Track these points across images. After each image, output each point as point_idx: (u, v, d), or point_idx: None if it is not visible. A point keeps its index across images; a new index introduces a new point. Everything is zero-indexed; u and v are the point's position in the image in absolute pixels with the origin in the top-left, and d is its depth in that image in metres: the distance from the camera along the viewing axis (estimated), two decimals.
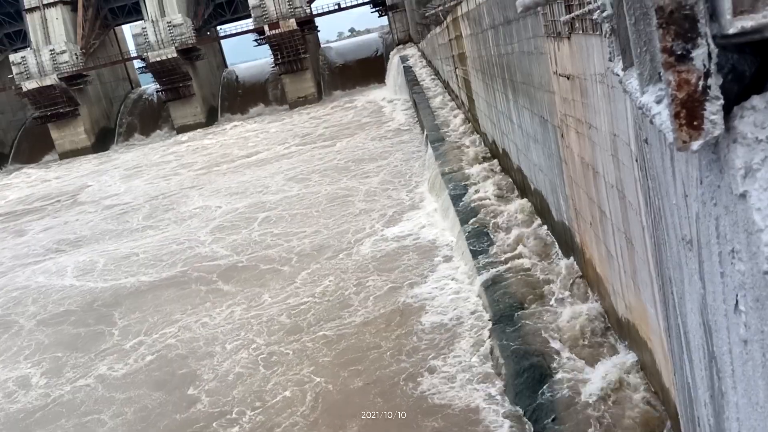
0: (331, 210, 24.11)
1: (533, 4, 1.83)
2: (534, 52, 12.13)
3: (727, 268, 1.37)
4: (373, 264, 17.00)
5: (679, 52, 1.22)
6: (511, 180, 17.67)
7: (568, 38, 9.18)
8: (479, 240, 14.29)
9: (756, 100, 1.25)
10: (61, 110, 73.33)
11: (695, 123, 1.24)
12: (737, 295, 1.33)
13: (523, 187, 16.42)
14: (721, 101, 1.23)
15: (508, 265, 12.47)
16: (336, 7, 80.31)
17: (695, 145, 1.23)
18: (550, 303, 10.67)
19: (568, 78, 9.65)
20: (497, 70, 17.56)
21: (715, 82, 1.22)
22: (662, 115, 1.38)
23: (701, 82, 1.22)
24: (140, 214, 31.90)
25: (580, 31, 8.44)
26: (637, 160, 6.35)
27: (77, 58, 74.55)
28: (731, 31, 1.16)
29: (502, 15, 14.96)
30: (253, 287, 17.24)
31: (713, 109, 1.22)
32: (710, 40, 1.24)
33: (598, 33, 7.06)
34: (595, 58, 7.91)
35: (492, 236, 14.21)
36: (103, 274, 22.13)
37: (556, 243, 13.20)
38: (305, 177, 32.10)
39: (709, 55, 1.23)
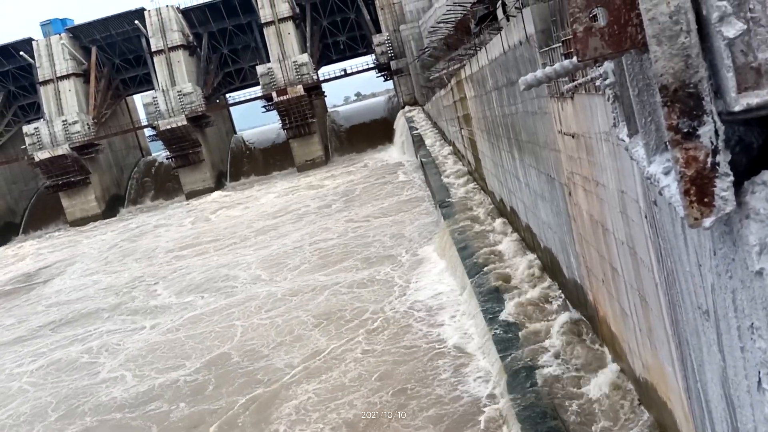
0: (331, 315, 19.35)
1: (536, 82, 1.84)
2: (538, 112, 12.29)
3: (747, 343, 1.33)
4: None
5: (685, 130, 1.21)
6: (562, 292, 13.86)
7: (572, 98, 9.31)
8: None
9: (767, 176, 1.23)
10: (73, 179, 74.38)
11: (706, 200, 1.22)
12: (760, 373, 1.29)
13: (532, 245, 16.35)
14: (731, 177, 1.22)
15: None
16: (342, 72, 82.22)
17: (707, 222, 1.21)
18: None
19: (573, 136, 9.73)
20: (502, 130, 17.75)
21: (723, 158, 1.21)
22: (671, 188, 1.36)
23: (710, 159, 1.21)
24: (90, 313, 27.65)
25: (583, 91, 8.56)
26: (646, 217, 6.32)
27: (89, 127, 76.01)
28: (737, 108, 1.16)
29: (505, 77, 15.22)
30: None
31: (723, 186, 1.21)
32: (716, 117, 1.22)
33: (600, 93, 7.13)
34: (599, 116, 8.00)
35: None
36: None
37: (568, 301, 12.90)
38: (303, 261, 27.75)
39: (716, 132, 1.21)
